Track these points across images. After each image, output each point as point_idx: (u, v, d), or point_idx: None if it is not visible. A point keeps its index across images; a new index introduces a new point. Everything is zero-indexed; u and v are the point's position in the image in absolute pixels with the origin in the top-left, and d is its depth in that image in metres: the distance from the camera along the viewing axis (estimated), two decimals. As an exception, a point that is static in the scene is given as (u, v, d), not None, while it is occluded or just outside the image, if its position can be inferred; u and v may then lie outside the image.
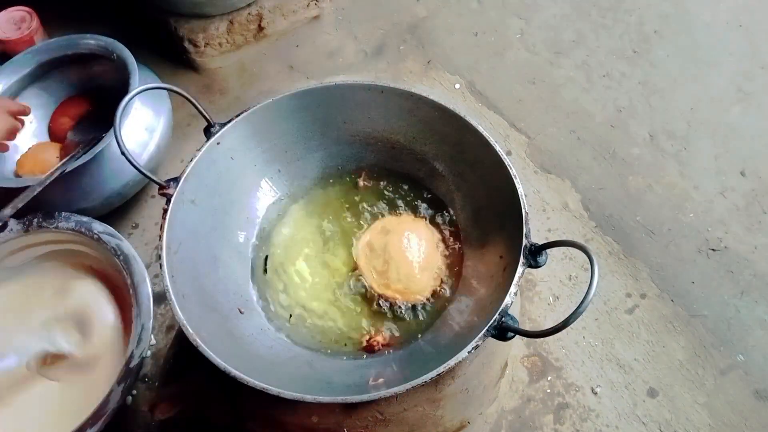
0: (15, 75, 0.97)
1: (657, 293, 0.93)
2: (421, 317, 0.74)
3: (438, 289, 0.75)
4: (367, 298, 0.75)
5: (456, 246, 0.78)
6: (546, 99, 1.16)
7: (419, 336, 0.72)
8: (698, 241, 0.98)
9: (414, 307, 0.74)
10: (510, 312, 0.60)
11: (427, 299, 0.75)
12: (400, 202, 0.82)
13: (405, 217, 0.80)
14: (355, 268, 0.78)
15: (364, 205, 0.83)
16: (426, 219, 0.80)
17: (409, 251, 0.75)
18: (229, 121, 0.75)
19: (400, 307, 0.74)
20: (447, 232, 0.80)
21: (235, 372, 0.57)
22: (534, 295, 0.93)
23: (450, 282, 0.76)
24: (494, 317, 0.59)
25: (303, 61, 1.23)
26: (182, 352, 0.79)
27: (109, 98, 1.00)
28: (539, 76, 1.19)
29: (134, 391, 0.85)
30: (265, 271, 0.77)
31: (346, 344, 0.73)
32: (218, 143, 0.75)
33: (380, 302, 0.75)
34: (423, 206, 0.82)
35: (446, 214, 0.81)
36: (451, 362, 0.57)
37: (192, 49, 1.17)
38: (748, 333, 0.89)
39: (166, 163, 1.06)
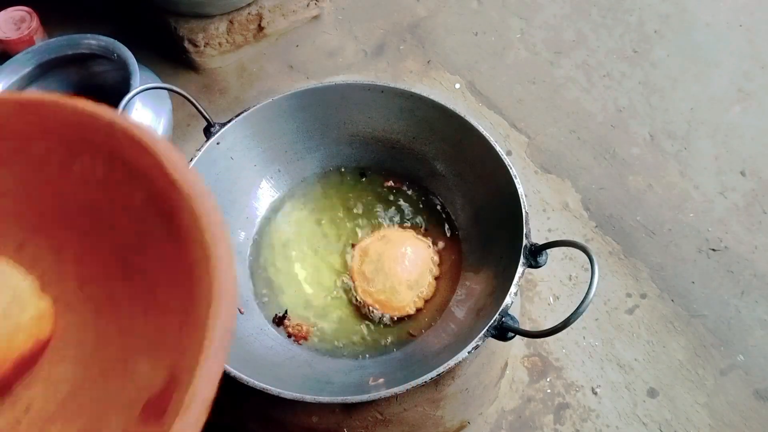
0: (15, 75, 0.97)
1: (657, 293, 0.93)
2: (406, 328, 0.74)
3: (422, 307, 0.74)
4: (353, 301, 0.75)
5: (452, 258, 0.77)
6: (546, 99, 1.16)
7: (395, 348, 0.72)
8: (698, 241, 0.98)
9: (400, 320, 0.74)
10: (510, 312, 0.60)
11: (407, 317, 0.74)
12: (399, 203, 0.82)
13: (408, 232, 0.79)
14: (349, 269, 0.78)
15: (364, 205, 0.83)
16: (430, 241, 0.79)
17: (402, 266, 0.75)
18: (228, 121, 0.75)
19: (383, 316, 0.74)
20: (445, 241, 0.79)
21: (235, 372, 0.57)
22: (534, 295, 0.93)
23: (438, 299, 0.75)
24: (494, 317, 0.59)
25: (303, 61, 1.23)
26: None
27: (109, 98, 1.00)
28: (539, 76, 1.19)
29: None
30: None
31: (341, 343, 0.73)
32: (218, 143, 0.74)
33: (367, 307, 0.74)
34: (422, 207, 0.82)
35: (445, 216, 0.81)
36: (451, 362, 0.57)
37: (192, 49, 1.17)
38: (749, 333, 0.89)
39: (166, 163, 1.05)
